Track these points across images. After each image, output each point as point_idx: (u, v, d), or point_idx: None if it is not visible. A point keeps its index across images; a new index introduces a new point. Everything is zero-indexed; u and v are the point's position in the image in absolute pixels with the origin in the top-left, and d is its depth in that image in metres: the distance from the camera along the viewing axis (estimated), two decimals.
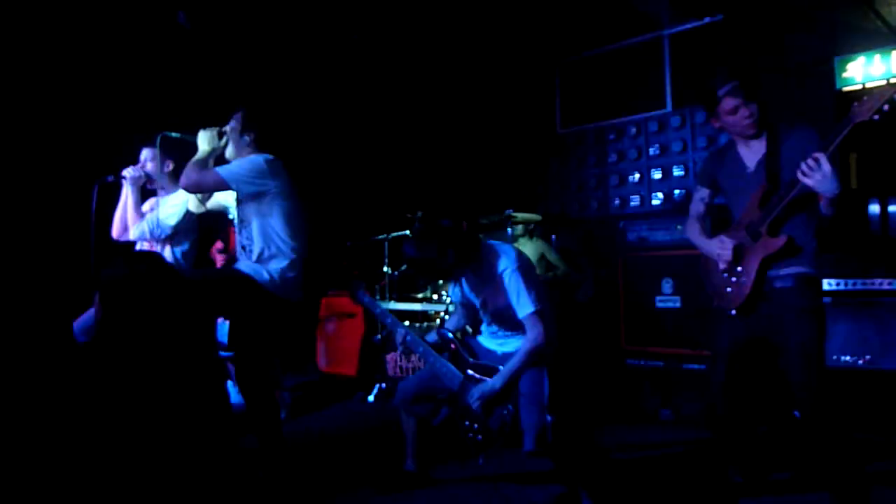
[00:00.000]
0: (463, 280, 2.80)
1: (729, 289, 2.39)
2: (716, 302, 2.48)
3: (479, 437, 2.58)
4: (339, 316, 5.16)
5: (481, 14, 5.03)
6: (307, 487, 2.81)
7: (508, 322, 2.66)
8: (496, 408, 2.54)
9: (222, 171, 2.70)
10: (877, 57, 4.04)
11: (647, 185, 5.10)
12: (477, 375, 2.63)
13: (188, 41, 4.47)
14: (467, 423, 2.62)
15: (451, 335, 2.78)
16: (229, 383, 3.85)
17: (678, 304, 3.98)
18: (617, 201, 5.25)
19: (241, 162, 2.77)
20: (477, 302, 2.78)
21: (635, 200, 5.14)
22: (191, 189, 2.82)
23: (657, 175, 5.04)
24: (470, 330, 3.28)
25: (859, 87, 4.07)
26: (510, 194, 5.92)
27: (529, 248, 4.96)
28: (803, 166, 2.10)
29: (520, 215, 4.43)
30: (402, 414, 2.84)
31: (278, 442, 2.72)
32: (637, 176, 5.14)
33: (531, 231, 5.06)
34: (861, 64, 4.08)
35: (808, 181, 2.10)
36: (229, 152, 2.89)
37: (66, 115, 4.15)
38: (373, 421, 4.02)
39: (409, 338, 2.76)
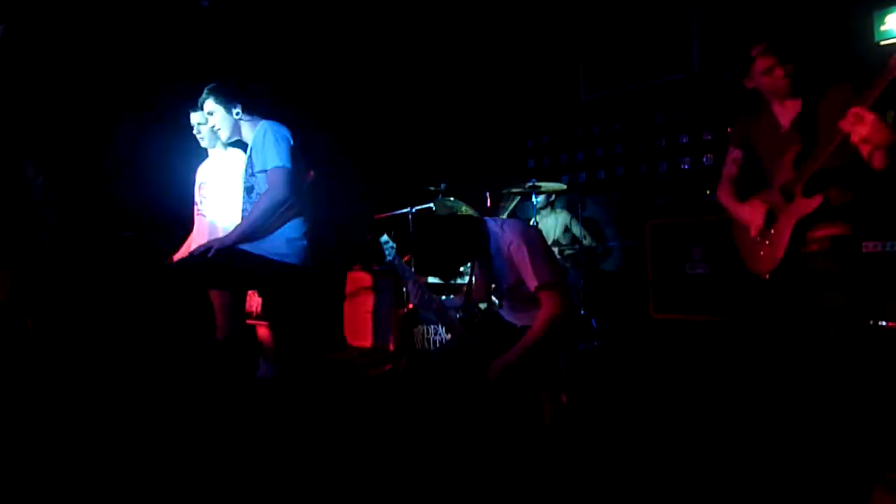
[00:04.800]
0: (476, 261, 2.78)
1: (762, 252, 2.32)
2: (748, 266, 2.41)
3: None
4: (365, 290, 5.18)
5: None
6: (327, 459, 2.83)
7: (523, 296, 2.63)
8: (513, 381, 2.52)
9: (280, 163, 2.58)
10: None
11: (675, 150, 4.97)
12: (495, 348, 2.61)
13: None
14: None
15: (475, 309, 2.77)
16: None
17: (707, 271, 3.90)
18: (644, 168, 5.14)
19: (274, 141, 2.63)
20: (490, 279, 2.76)
21: (663, 166, 5.02)
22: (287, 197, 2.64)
23: (685, 139, 4.91)
24: (497, 302, 3.25)
25: None
26: (534, 164, 5.85)
27: (552, 219, 4.90)
28: (844, 126, 1.97)
29: (544, 185, 4.35)
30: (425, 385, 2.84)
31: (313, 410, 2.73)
32: (664, 141, 5.02)
33: (552, 202, 4.98)
34: None
35: (855, 137, 1.96)
36: (226, 135, 2.81)
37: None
38: (397, 394, 4.03)
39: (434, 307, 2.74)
